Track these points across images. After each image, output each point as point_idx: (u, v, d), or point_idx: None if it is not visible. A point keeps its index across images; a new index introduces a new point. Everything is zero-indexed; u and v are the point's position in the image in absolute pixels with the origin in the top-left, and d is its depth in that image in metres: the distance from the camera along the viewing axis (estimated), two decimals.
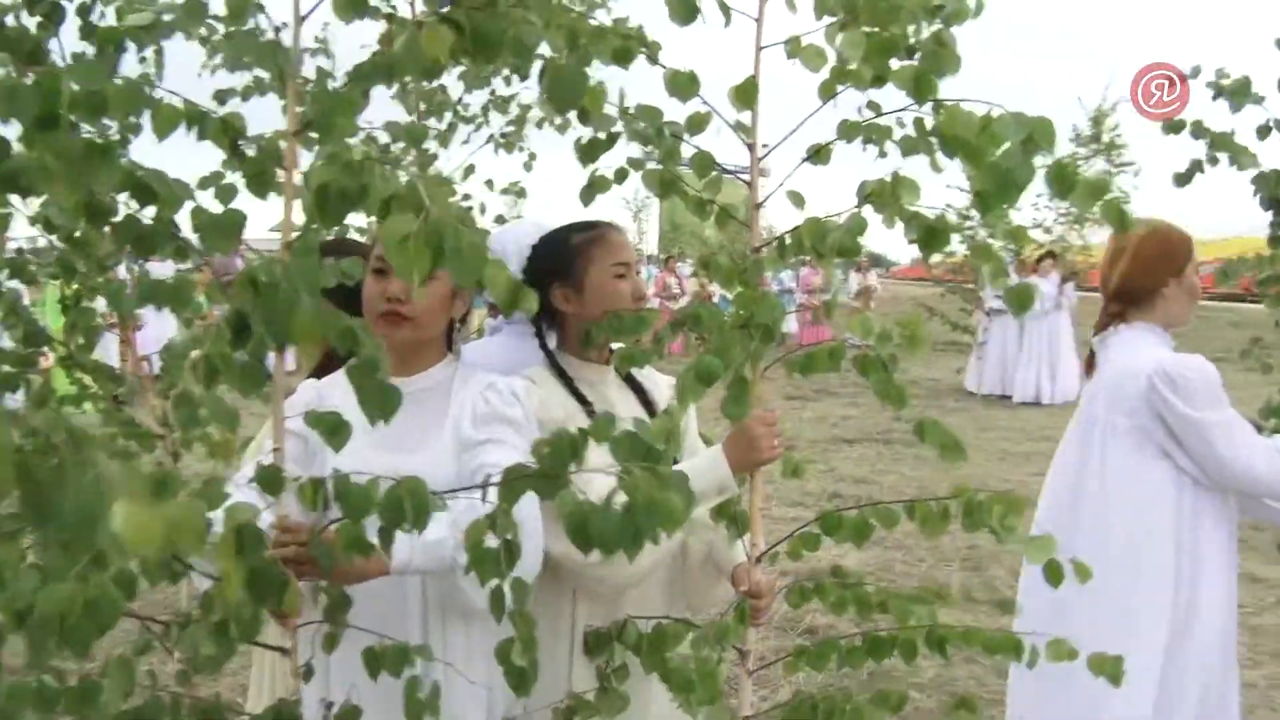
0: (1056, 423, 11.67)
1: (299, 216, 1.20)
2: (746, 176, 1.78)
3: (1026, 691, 2.96)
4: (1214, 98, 2.93)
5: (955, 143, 1.21)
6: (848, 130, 1.48)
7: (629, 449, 1.00)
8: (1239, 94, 2.86)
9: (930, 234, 1.35)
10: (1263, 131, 2.87)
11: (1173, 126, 2.92)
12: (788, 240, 1.53)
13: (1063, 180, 1.17)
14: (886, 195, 1.38)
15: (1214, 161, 2.83)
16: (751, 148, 1.74)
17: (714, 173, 1.76)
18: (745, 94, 1.62)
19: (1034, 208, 14.98)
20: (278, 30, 1.34)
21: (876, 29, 1.50)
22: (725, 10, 1.71)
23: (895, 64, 1.48)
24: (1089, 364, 2.97)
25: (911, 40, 1.48)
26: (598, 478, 1.22)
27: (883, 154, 1.43)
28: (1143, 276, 2.80)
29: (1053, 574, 1.42)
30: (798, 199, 1.58)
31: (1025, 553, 1.43)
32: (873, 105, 1.54)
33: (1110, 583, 2.71)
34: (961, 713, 1.70)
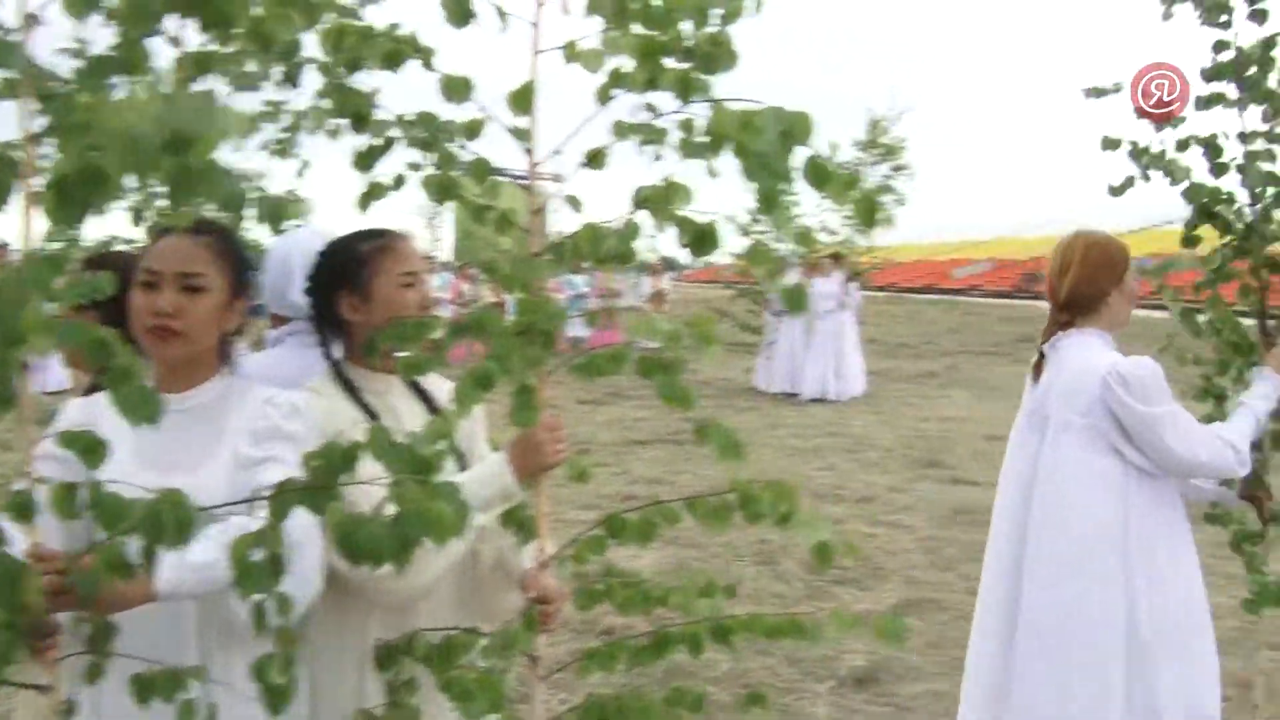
0: (843, 418, 12.18)
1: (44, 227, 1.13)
2: (537, 181, 1.78)
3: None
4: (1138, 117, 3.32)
5: (721, 140, 1.24)
6: (622, 132, 1.50)
7: (400, 459, 0.98)
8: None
9: (700, 237, 1.38)
10: (1182, 145, 3.23)
11: (1110, 143, 3.25)
12: (565, 245, 1.54)
13: (818, 174, 1.22)
14: (659, 200, 1.40)
15: (1146, 178, 3.20)
16: (530, 153, 1.74)
17: (493, 178, 1.76)
18: (521, 99, 1.62)
19: (820, 210, 15.58)
20: (18, 29, 1.25)
21: (650, 31, 1.52)
22: (501, 14, 1.70)
23: (674, 64, 1.50)
24: (1037, 368, 3.12)
25: (690, 41, 1.51)
26: (376, 489, 1.20)
27: (658, 157, 1.46)
28: (1089, 286, 2.99)
29: (822, 555, 1.47)
30: (575, 203, 1.59)
31: (800, 533, 1.48)
32: (650, 107, 1.57)
33: (1064, 572, 2.91)
34: (755, 709, 1.75)
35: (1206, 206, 3.25)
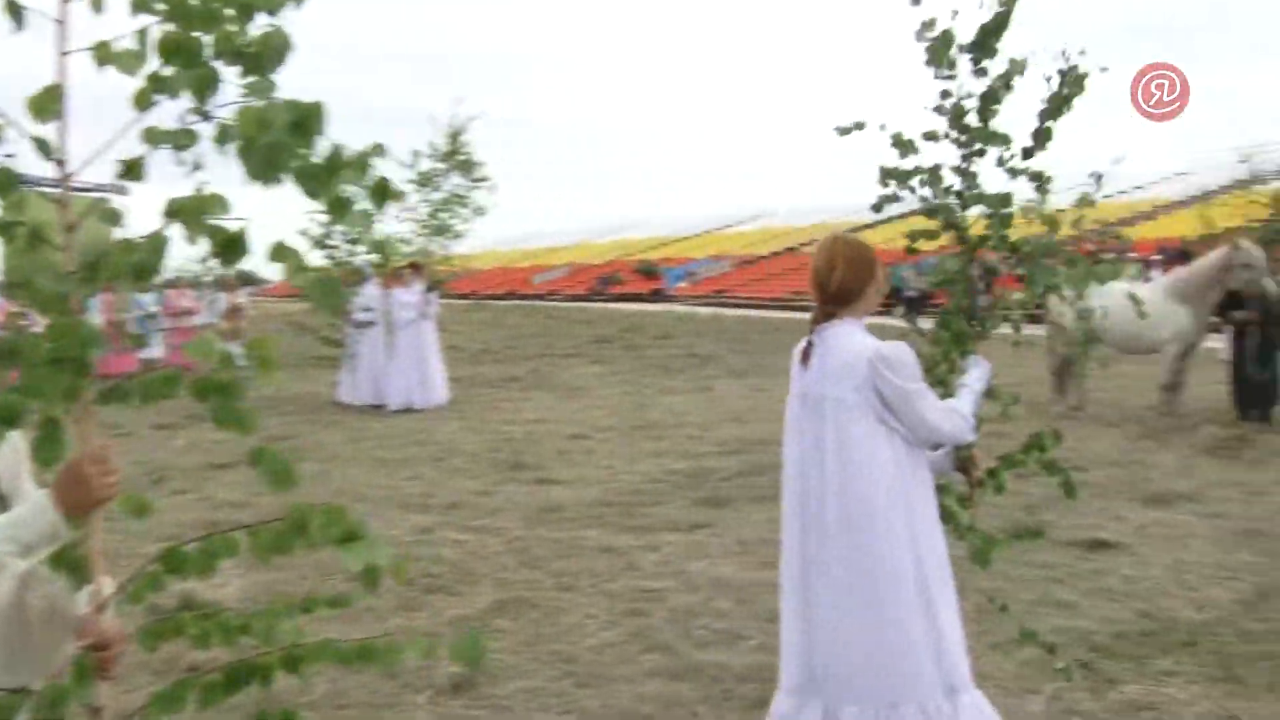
0: (430, 426, 12.16)
1: None
2: (71, 193, 1.63)
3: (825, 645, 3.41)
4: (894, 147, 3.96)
5: (252, 141, 1.20)
6: (154, 139, 1.41)
7: None
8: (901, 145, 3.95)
9: (229, 245, 1.33)
10: (919, 171, 4.00)
11: (849, 128, 4.04)
12: (100, 263, 1.42)
13: (315, 177, 1.21)
14: (192, 210, 1.33)
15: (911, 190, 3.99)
16: (61, 163, 1.59)
17: (20, 190, 1.59)
18: (43, 104, 1.48)
19: (397, 220, 15.42)
20: None
21: (189, 31, 1.44)
22: (15, 11, 1.55)
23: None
24: (806, 354, 3.53)
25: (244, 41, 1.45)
26: None
27: (197, 166, 1.38)
28: (854, 281, 3.47)
29: (369, 579, 1.46)
30: (111, 216, 1.48)
31: (344, 558, 1.46)
32: (199, 111, 1.48)
33: (858, 532, 3.34)
34: None
35: (954, 221, 3.99)
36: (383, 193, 1.37)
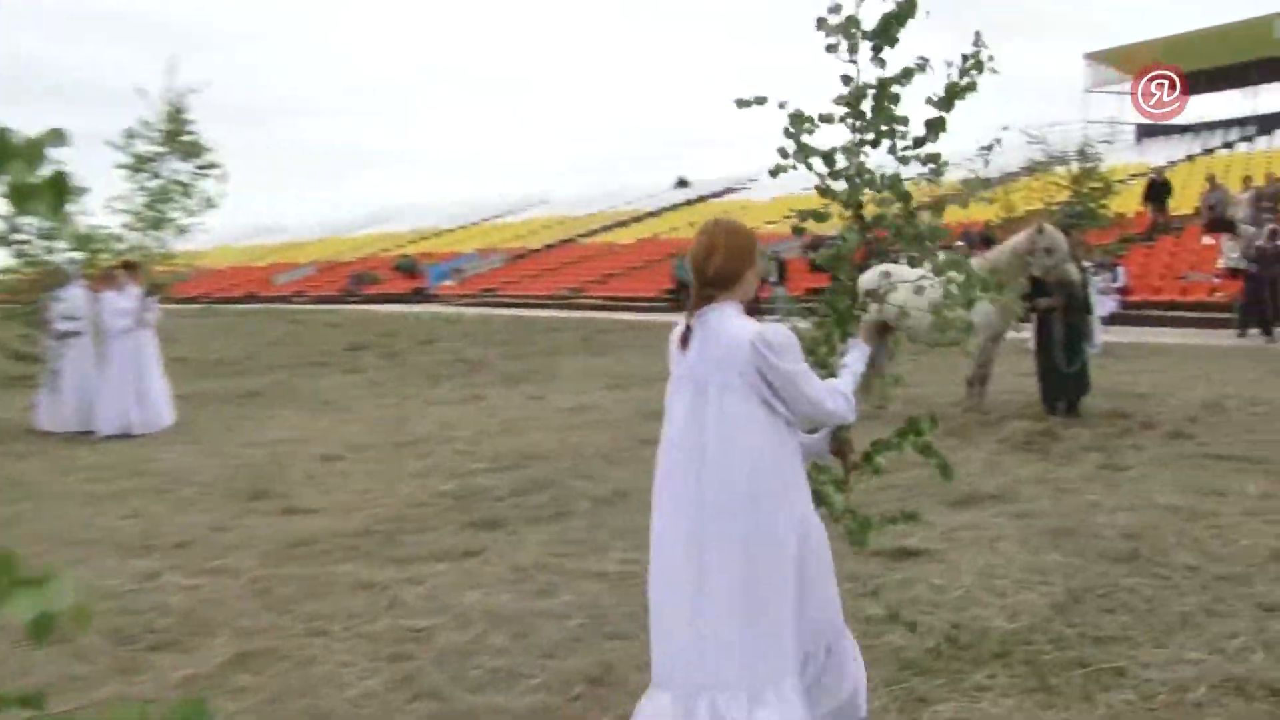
0: (151, 453, 11.56)
1: None
2: None
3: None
4: None
5: None
6: None
7: None
8: None
9: None
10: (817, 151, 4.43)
11: (745, 102, 4.38)
12: None
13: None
14: None
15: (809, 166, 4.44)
16: None
17: None
18: None
19: (108, 211, 14.58)
20: None
21: None
22: None
23: None
24: (685, 338, 3.87)
25: None
26: None
27: None
28: (734, 265, 3.84)
29: (39, 630, 1.33)
30: None
31: (8, 609, 1.32)
32: None
33: (743, 513, 3.71)
34: None
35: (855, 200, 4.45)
36: (58, 189, 1.23)
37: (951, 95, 4.41)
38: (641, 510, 8.06)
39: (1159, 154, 41.93)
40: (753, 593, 3.70)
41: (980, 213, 31.00)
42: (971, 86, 4.42)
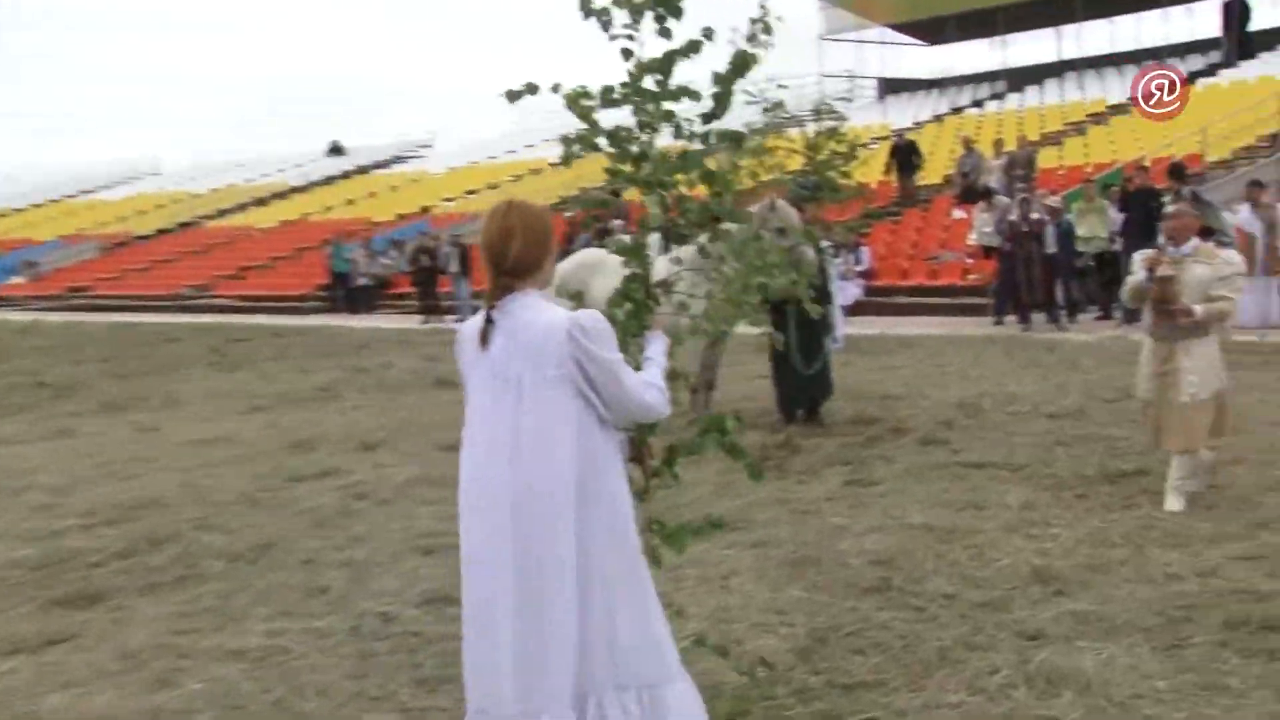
0: None
1: None
2: None
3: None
4: None
5: None
6: None
7: None
8: None
9: None
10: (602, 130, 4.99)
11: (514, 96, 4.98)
12: None
13: None
14: None
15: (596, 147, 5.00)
16: None
17: None
18: None
19: None
20: None
21: None
22: None
23: None
24: (485, 335, 4.24)
25: None
26: None
27: None
28: (535, 251, 4.28)
29: None
30: None
31: None
32: None
33: (564, 524, 4.14)
34: None
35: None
36: None
37: (742, 65, 4.95)
38: (288, 567, 7.95)
39: (903, 113, 44.48)
40: (569, 607, 4.15)
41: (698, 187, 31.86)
42: (754, 59, 4.96)
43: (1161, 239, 9.28)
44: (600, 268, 10.99)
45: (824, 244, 13.28)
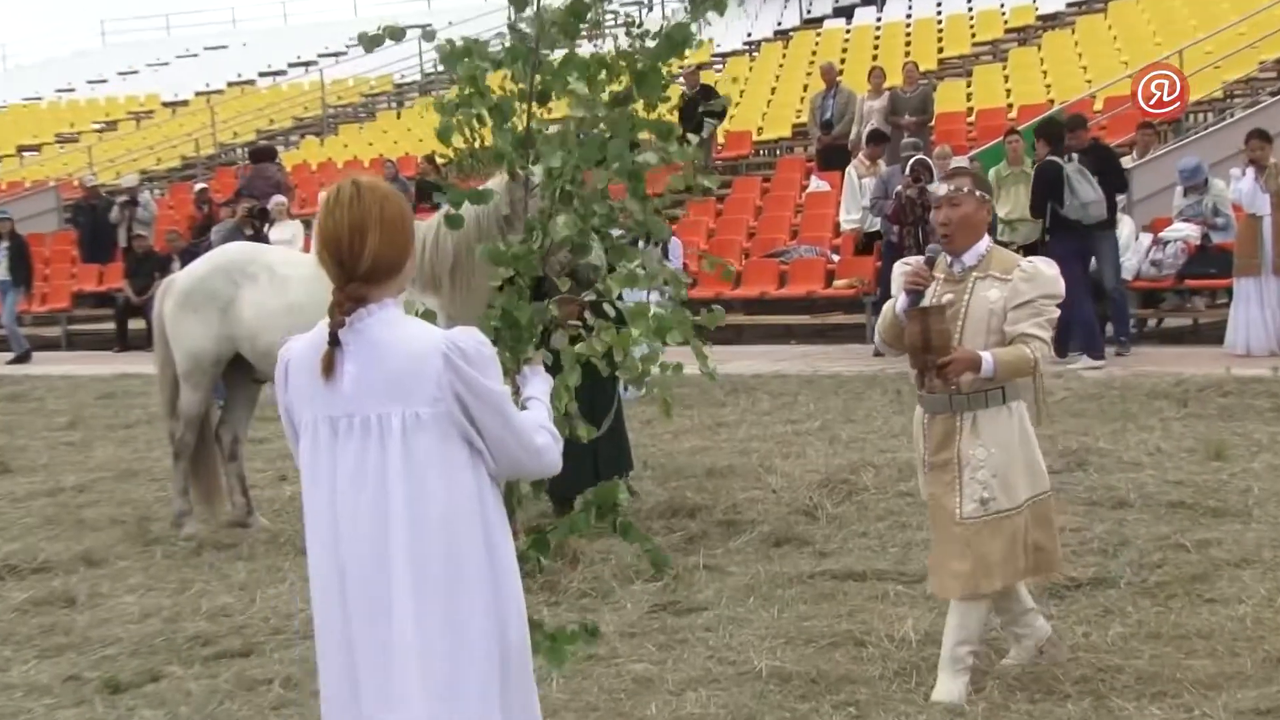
0: None
1: None
2: None
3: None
4: None
5: None
6: None
7: None
8: None
9: None
10: None
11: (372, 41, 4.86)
12: None
13: None
14: None
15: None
16: None
17: None
18: None
19: None
20: None
21: None
22: None
23: None
24: (329, 361, 3.60)
25: None
26: None
27: None
28: (393, 250, 3.67)
29: None
30: None
31: None
32: None
33: (432, 594, 3.63)
34: None
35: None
36: None
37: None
38: None
39: (732, 29, 34.48)
40: (462, 694, 3.65)
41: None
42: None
43: (934, 243, 6.21)
44: (248, 272, 8.35)
45: (615, 232, 9.84)
